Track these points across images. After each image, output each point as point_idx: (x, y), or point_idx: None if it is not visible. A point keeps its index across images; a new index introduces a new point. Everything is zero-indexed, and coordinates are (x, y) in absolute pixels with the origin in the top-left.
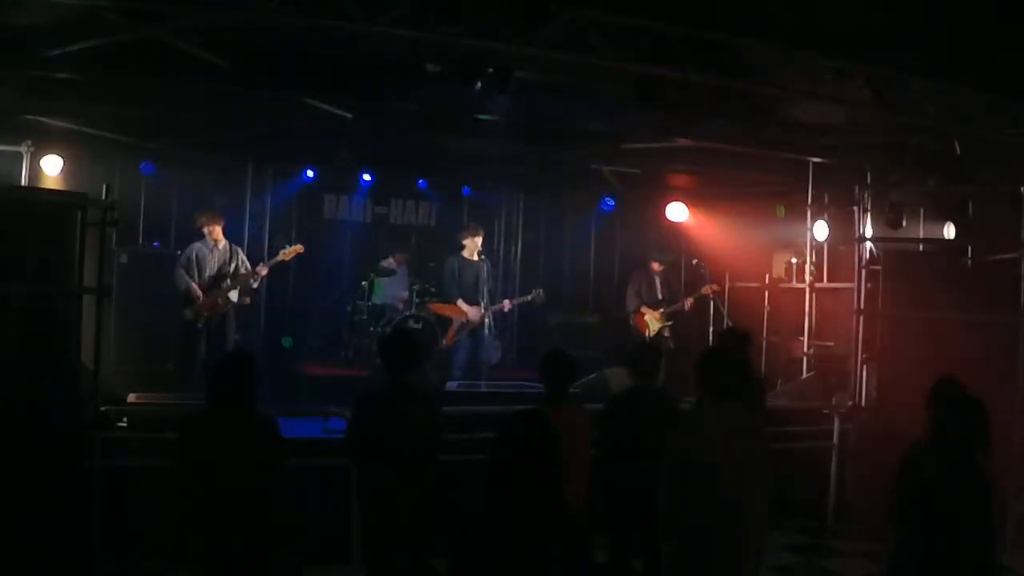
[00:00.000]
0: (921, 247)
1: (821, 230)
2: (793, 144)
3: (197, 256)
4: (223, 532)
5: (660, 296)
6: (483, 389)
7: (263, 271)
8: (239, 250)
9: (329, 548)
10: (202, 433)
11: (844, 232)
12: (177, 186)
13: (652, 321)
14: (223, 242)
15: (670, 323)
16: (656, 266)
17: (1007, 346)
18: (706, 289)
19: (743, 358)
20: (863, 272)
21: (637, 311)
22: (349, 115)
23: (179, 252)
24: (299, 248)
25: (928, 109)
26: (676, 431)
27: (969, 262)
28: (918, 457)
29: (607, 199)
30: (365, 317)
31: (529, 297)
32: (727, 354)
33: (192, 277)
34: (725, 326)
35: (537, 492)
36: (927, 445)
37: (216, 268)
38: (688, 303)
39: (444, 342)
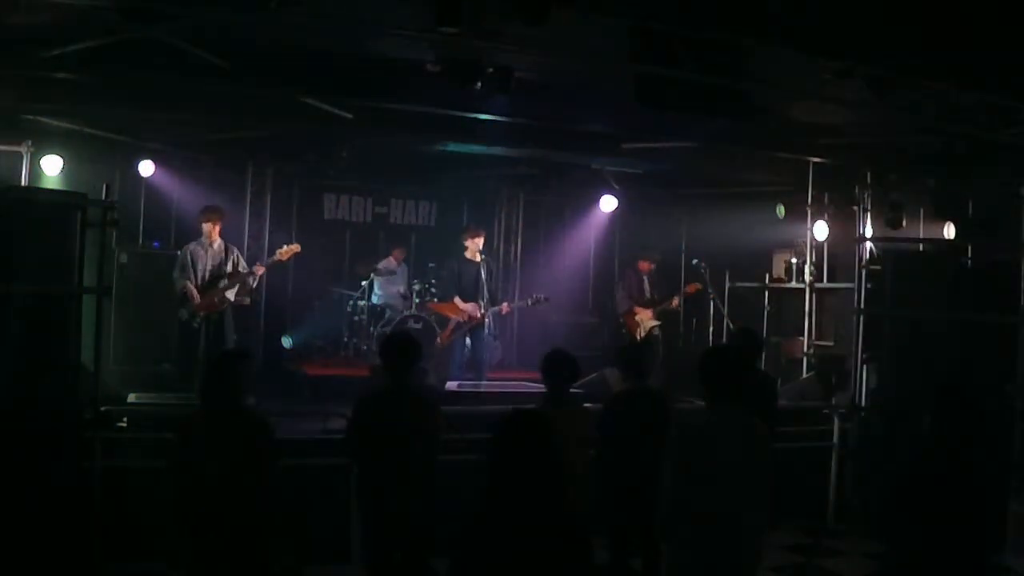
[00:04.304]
0: (921, 247)
1: (821, 230)
2: (793, 144)
3: (192, 256)
4: (218, 533)
5: (649, 295)
6: (483, 389)
7: (260, 270)
8: (235, 249)
9: (329, 548)
10: (196, 434)
11: (844, 232)
12: (177, 186)
13: (643, 320)
14: (218, 242)
15: (660, 322)
16: (645, 265)
17: (1006, 346)
18: (690, 287)
19: (747, 358)
20: (863, 272)
21: (629, 311)
22: (349, 115)
23: (179, 252)
24: (296, 248)
25: (928, 109)
26: (677, 431)
27: (969, 262)
28: (916, 457)
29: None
30: (365, 317)
31: (529, 302)
32: (728, 354)
33: (188, 277)
34: (727, 326)
35: (537, 491)
36: (927, 444)
37: (211, 267)
38: (675, 302)
39: (438, 341)
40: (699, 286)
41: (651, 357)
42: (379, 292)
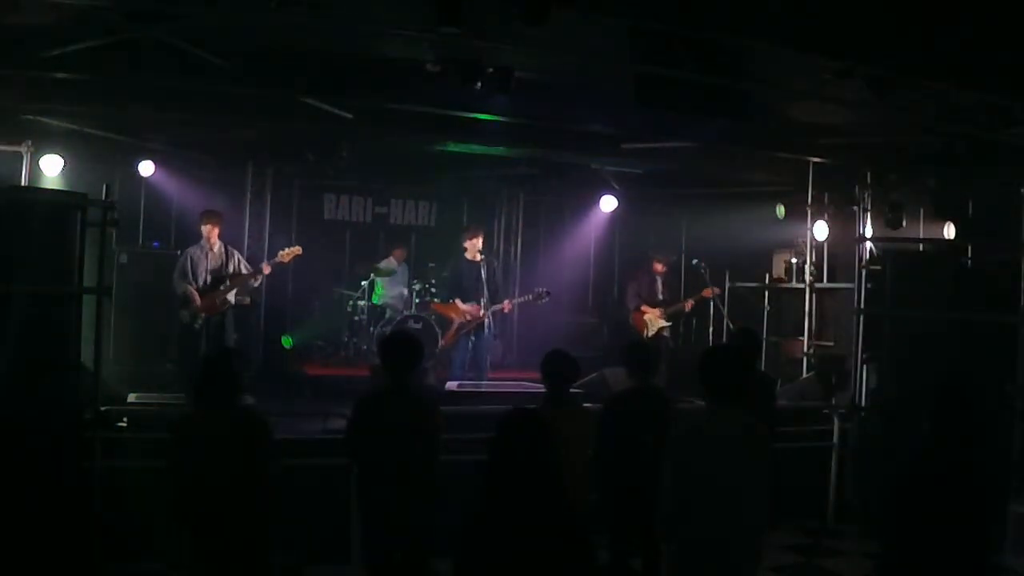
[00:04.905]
0: (921, 247)
1: (821, 230)
2: (793, 144)
3: (192, 260)
4: (218, 533)
5: (661, 296)
6: (483, 389)
7: (267, 269)
8: (235, 252)
9: (329, 548)
10: (193, 434)
11: (844, 232)
12: (177, 186)
13: (652, 320)
14: (218, 244)
15: (669, 323)
16: (659, 266)
17: (1006, 346)
18: (707, 291)
19: (747, 358)
20: (863, 272)
21: (637, 309)
22: (349, 115)
23: (179, 252)
24: (297, 250)
25: (928, 109)
26: (677, 431)
27: (969, 262)
28: (916, 457)
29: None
30: (365, 317)
31: (529, 297)
32: (728, 354)
33: (188, 282)
34: (727, 326)
35: (536, 492)
36: (927, 444)
37: (212, 270)
38: (688, 305)
39: (442, 342)
40: (717, 290)
41: (655, 355)
42: (383, 292)
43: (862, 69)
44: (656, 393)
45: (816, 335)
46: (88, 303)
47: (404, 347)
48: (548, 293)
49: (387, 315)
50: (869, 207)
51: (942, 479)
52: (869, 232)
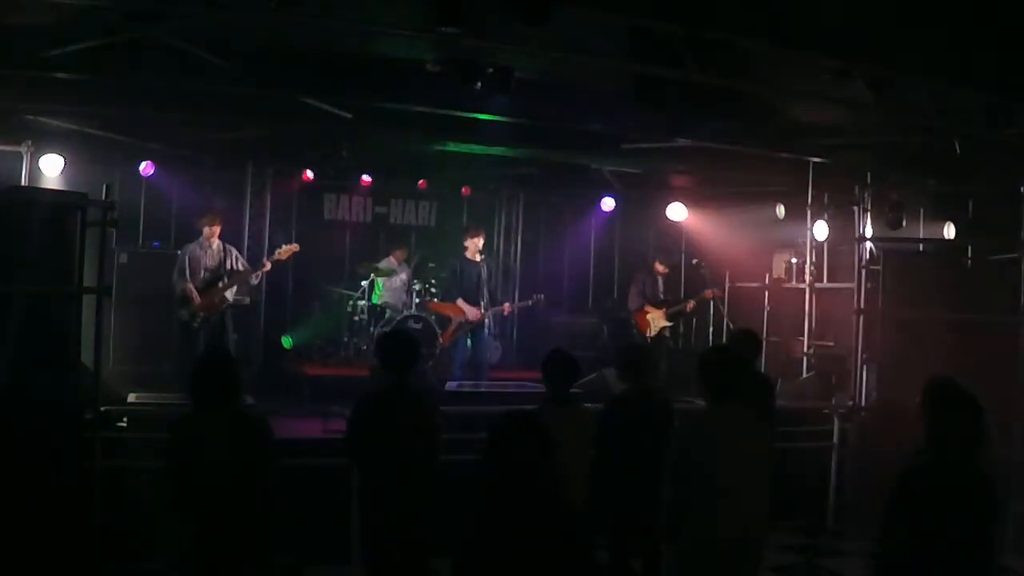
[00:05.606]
0: (921, 247)
1: (821, 230)
2: (793, 144)
3: (191, 258)
4: (218, 534)
5: (663, 296)
6: (483, 389)
7: (267, 266)
8: (233, 250)
9: (329, 548)
10: (193, 434)
11: (844, 232)
12: (177, 186)
13: (655, 320)
14: (217, 243)
15: (671, 324)
16: (661, 266)
17: (1007, 346)
18: (708, 293)
19: (745, 359)
20: (863, 272)
21: (640, 309)
22: (349, 115)
23: (179, 252)
24: (295, 247)
25: (928, 109)
26: (677, 432)
27: (969, 262)
28: (914, 458)
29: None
30: (365, 317)
31: (530, 302)
32: (726, 355)
33: (187, 279)
34: (727, 326)
35: (535, 492)
36: (925, 447)
37: (211, 268)
38: (690, 306)
39: (441, 341)
40: (718, 292)
41: (650, 357)
42: (383, 292)
43: (862, 69)
44: (656, 394)
45: (816, 335)
46: (88, 303)
47: (403, 346)
48: (546, 298)
49: (387, 315)
50: (869, 207)
51: (940, 481)
52: (869, 232)
